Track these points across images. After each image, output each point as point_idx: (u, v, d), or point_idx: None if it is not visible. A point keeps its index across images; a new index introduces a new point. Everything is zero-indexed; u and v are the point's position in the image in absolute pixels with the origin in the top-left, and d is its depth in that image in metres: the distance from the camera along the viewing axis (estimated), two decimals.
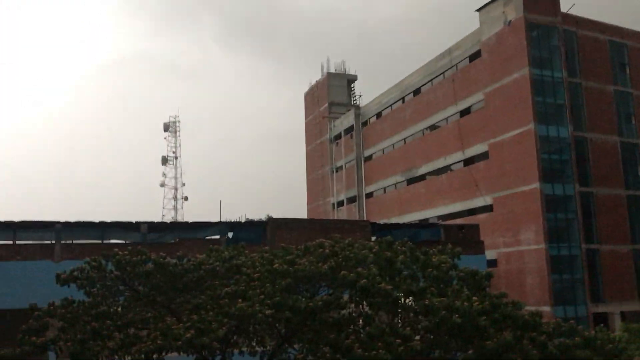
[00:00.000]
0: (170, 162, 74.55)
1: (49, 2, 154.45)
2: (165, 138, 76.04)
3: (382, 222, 39.63)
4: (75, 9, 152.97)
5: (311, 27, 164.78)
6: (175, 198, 73.99)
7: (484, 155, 42.49)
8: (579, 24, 41.53)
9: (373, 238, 25.39)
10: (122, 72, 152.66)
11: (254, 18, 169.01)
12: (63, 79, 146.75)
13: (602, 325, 14.54)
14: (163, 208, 73.69)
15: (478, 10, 43.20)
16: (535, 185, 37.40)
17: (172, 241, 25.37)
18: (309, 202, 70.65)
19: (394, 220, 49.10)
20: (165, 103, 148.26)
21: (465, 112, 44.81)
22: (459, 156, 45.10)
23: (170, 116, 77.90)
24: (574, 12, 41.65)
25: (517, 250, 38.64)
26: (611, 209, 39.65)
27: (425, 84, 50.15)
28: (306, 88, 72.35)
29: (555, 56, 39.87)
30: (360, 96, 66.75)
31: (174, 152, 74.89)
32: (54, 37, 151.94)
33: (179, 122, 75.61)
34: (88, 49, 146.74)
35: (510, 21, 39.91)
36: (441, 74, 47.94)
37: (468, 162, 44.31)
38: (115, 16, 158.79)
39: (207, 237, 27.00)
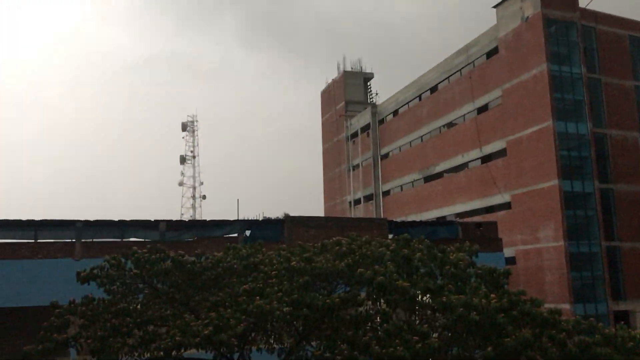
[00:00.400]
0: (189, 162, 74.99)
1: (73, 2, 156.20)
2: (183, 137, 76.59)
3: (399, 220, 39.54)
4: (97, 10, 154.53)
5: (328, 25, 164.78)
6: (194, 197, 74.42)
7: (501, 153, 42.18)
8: (598, 19, 41.03)
9: (390, 236, 25.33)
10: (142, 72, 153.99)
11: (272, 17, 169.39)
12: (80, 80, 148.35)
13: (622, 322, 14.34)
14: (181, 207, 74.21)
15: (495, 6, 42.88)
16: (554, 182, 37.05)
17: (190, 239, 25.51)
18: (326, 201, 70.72)
19: (411, 218, 48.98)
20: (186, 103, 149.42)
21: (482, 109, 44.52)
22: (476, 153, 44.82)
23: (188, 116, 78.39)
24: (592, 7, 41.22)
25: (535, 248, 38.31)
26: (632, 206, 39.14)
27: (442, 82, 49.91)
28: (323, 86, 72.42)
29: (574, 52, 39.43)
30: (376, 94, 66.53)
31: (191, 152, 75.32)
32: (67, 37, 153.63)
33: (196, 121, 76.05)
34: (108, 50, 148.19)
35: (527, 17, 39.56)
36: (458, 71, 47.66)
37: (486, 159, 44.01)
38: (138, 17, 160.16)
39: (225, 235, 27.11)
